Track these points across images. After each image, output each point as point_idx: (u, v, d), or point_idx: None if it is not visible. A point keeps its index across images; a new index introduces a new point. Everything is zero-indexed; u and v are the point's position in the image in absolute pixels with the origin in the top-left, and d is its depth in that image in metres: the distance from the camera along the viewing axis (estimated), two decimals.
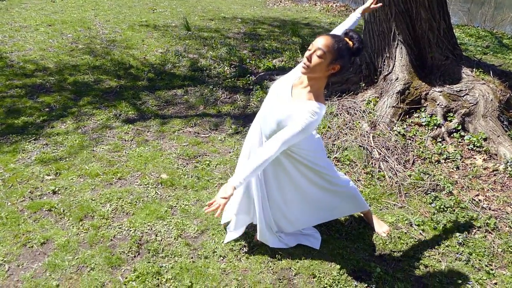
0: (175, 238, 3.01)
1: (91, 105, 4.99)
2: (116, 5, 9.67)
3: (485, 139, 4.22)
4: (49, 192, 3.44)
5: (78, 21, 8.11)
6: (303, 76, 2.31)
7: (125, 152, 4.10)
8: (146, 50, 6.87)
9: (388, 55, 4.92)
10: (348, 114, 4.68)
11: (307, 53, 2.15)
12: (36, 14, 8.38)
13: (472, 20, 11.30)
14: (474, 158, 4.14)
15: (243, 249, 2.95)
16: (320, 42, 2.11)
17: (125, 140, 4.31)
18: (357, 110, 4.70)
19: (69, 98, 5.12)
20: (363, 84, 5.07)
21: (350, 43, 2.18)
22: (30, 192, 3.42)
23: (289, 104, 2.28)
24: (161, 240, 2.99)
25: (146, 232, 3.05)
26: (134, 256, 2.84)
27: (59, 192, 3.45)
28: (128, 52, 6.73)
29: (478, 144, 4.20)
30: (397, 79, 4.74)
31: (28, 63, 6.00)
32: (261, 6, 11.19)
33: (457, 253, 3.03)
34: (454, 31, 5.10)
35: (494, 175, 3.91)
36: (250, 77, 5.93)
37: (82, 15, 8.63)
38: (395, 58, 4.86)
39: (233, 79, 5.91)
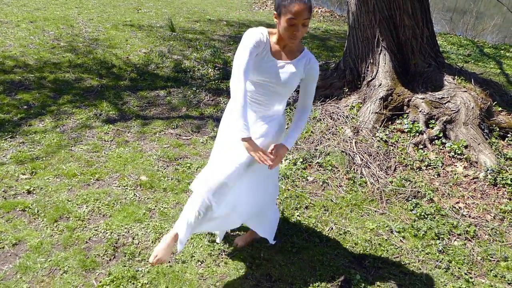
0: (152, 242, 2.94)
1: (71, 103, 4.89)
2: (100, 4, 9.55)
3: (466, 147, 4.25)
4: (23, 192, 3.34)
5: (61, 19, 7.97)
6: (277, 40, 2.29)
7: (104, 153, 4.01)
8: (129, 50, 6.77)
9: (371, 61, 4.94)
10: (331, 119, 4.67)
11: (293, 29, 2.11)
12: (18, 10, 8.21)
13: (454, 29, 11.48)
14: (455, 165, 4.16)
15: (221, 254, 2.89)
16: (303, 14, 2.08)
17: (105, 141, 4.23)
18: (340, 116, 4.70)
19: (49, 96, 5.01)
20: (347, 90, 5.07)
21: None
22: (3, 191, 3.31)
23: (289, 66, 2.30)
24: (138, 244, 2.92)
25: (123, 235, 2.98)
26: (110, 260, 2.76)
27: (34, 192, 3.35)
28: (111, 51, 6.63)
29: (459, 152, 4.22)
30: (380, 85, 4.75)
31: (8, 59, 5.86)
32: (246, 10, 11.18)
33: (437, 261, 3.02)
34: (436, 39, 5.15)
35: (475, 182, 3.94)
36: None
37: (65, 12, 8.49)
38: (378, 64, 4.88)
39: (216, 82, 5.86)
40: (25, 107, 4.70)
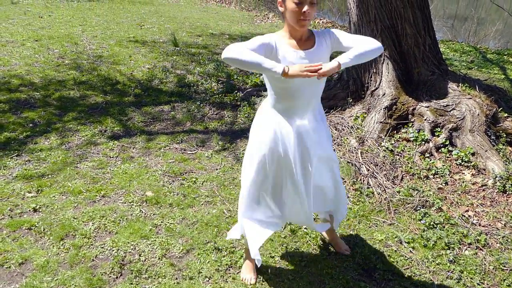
0: (159, 258, 2.92)
1: (76, 121, 4.91)
2: (104, 21, 9.64)
3: (473, 154, 4.21)
4: (29, 210, 3.34)
5: (65, 37, 8.05)
6: (291, 31, 2.21)
7: (110, 169, 4.01)
8: (133, 66, 6.82)
9: (374, 71, 4.93)
10: (336, 130, 4.65)
11: (302, 9, 2.06)
12: (23, 29, 8.30)
13: (456, 36, 11.47)
14: (462, 173, 4.12)
15: (229, 270, 2.86)
16: None
17: (110, 157, 4.23)
18: (345, 126, 4.68)
19: (54, 113, 5.04)
20: (351, 100, 5.06)
21: None
22: (10, 210, 3.31)
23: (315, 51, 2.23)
24: (145, 260, 2.89)
25: (129, 252, 2.96)
26: (116, 277, 2.74)
27: (40, 210, 3.35)
28: (115, 67, 6.67)
29: (466, 159, 4.18)
30: (384, 94, 4.74)
31: (13, 78, 5.91)
32: (248, 23, 11.25)
33: (448, 271, 2.98)
34: (439, 46, 5.14)
35: (483, 190, 3.89)
36: (238, 93, 5.89)
37: (70, 30, 8.57)
38: (381, 74, 4.87)
39: (220, 95, 5.87)
40: (30, 125, 4.72)
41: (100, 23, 9.46)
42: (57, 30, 8.47)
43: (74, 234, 3.10)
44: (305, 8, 2.05)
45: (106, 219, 3.29)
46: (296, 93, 2.28)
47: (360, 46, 2.17)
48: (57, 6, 10.75)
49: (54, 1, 11.33)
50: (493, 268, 3.03)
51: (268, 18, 12.10)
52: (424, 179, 4.05)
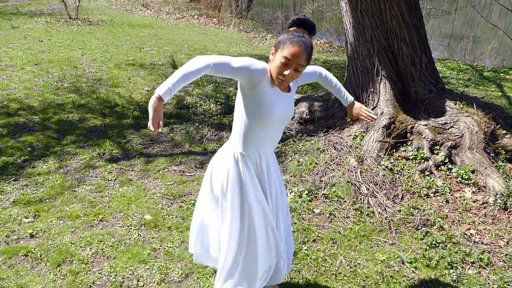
0: (158, 283, 2.87)
1: (74, 144, 4.90)
2: (103, 44, 9.72)
3: (472, 172, 4.19)
4: (26, 236, 3.30)
5: (65, 60, 8.10)
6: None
7: (108, 193, 3.98)
8: (132, 88, 6.84)
9: (372, 90, 4.95)
10: (335, 149, 4.64)
11: (285, 69, 2.01)
12: (23, 53, 8.37)
13: (452, 54, 11.57)
14: (463, 191, 4.10)
15: None
16: (299, 58, 2.00)
17: (108, 180, 4.21)
18: (343, 146, 4.67)
19: (52, 137, 5.03)
20: (349, 119, 5.06)
21: (307, 31, 2.10)
22: (6, 236, 3.28)
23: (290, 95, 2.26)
24: (143, 286, 2.85)
25: (128, 277, 2.92)
26: None
27: (37, 236, 3.31)
28: (114, 90, 6.69)
29: (466, 177, 4.16)
30: (382, 113, 4.74)
31: (12, 102, 5.93)
32: (246, 44, 11.34)
33: None
34: (436, 65, 5.17)
35: (484, 207, 3.86)
36: None
37: (69, 54, 8.63)
38: (379, 93, 4.88)
39: (219, 116, 5.88)
40: (28, 149, 4.71)
41: (100, 46, 9.54)
42: (57, 54, 8.54)
43: (71, 259, 3.06)
44: (288, 71, 2.02)
45: (104, 243, 3.25)
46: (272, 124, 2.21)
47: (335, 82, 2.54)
48: (57, 30, 10.85)
49: (55, 25, 11.44)
50: (497, 287, 2.99)
51: (266, 39, 12.21)
52: (425, 197, 4.03)
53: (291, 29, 2.10)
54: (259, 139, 2.20)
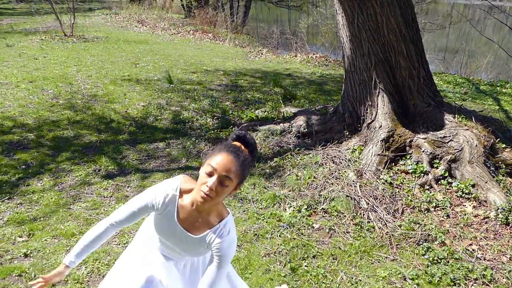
0: None
1: (69, 161, 4.83)
2: (99, 61, 9.71)
3: (473, 186, 4.15)
4: (20, 256, 3.22)
5: (60, 77, 8.07)
6: (189, 205, 1.88)
7: (104, 209, 3.91)
8: (127, 104, 6.80)
9: (370, 103, 4.93)
10: (333, 163, 4.60)
11: (208, 180, 1.73)
12: (17, 71, 8.33)
13: (448, 68, 11.63)
14: (463, 205, 4.05)
15: None
16: (226, 168, 1.72)
17: (104, 197, 4.14)
18: (342, 159, 4.63)
19: (47, 154, 4.97)
20: (347, 133, 5.03)
21: (247, 153, 1.84)
22: (0, 256, 3.20)
23: (197, 244, 1.92)
24: None
25: None
26: None
27: (31, 255, 3.23)
28: (109, 106, 6.65)
29: (466, 191, 4.12)
30: (380, 127, 4.72)
31: (6, 120, 5.86)
32: (242, 58, 11.37)
33: None
34: (433, 78, 5.16)
35: (486, 222, 3.81)
36: (233, 128, 5.86)
37: (64, 71, 8.60)
38: (377, 106, 4.86)
39: (216, 131, 5.84)
40: (23, 166, 4.65)
41: (95, 62, 9.52)
42: (52, 71, 8.51)
43: (66, 279, 2.99)
44: (210, 181, 1.72)
45: (99, 262, 3.18)
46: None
47: None
48: (52, 48, 10.84)
49: (49, 43, 11.43)
50: None
51: (262, 54, 12.25)
52: (425, 212, 3.98)
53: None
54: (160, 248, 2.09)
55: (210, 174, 1.73)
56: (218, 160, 1.72)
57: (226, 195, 1.79)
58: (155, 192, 1.89)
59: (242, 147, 1.82)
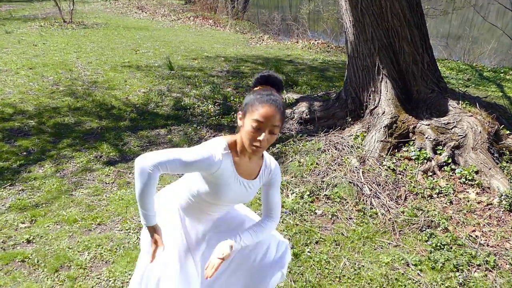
0: None
1: (71, 147, 4.81)
2: (99, 47, 9.63)
3: (476, 172, 4.13)
4: (23, 242, 3.22)
5: (60, 64, 8.01)
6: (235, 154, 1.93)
7: (106, 196, 3.90)
8: (128, 91, 6.76)
9: (373, 89, 4.88)
10: (336, 149, 4.58)
11: (258, 134, 1.79)
12: (17, 58, 8.26)
13: (451, 54, 11.54)
14: (467, 192, 4.04)
15: None
16: (272, 119, 1.78)
17: (106, 183, 4.13)
18: (345, 146, 4.60)
19: (48, 141, 4.94)
20: (350, 119, 5.00)
21: (274, 89, 1.90)
22: (2, 242, 3.19)
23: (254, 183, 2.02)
24: None
25: (127, 282, 2.84)
26: None
27: (33, 241, 3.23)
28: (110, 93, 6.61)
29: (470, 178, 4.10)
30: (383, 113, 4.68)
31: (7, 107, 5.83)
32: (243, 45, 11.28)
33: None
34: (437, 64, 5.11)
35: (489, 209, 3.80)
36: (235, 115, 5.83)
37: (64, 57, 8.54)
38: (380, 92, 4.82)
39: (217, 117, 5.81)
40: (24, 153, 4.63)
41: (95, 49, 9.45)
42: (52, 58, 8.44)
43: (69, 265, 2.98)
44: (262, 136, 1.79)
45: (102, 248, 3.17)
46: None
47: (258, 230, 2.03)
48: (52, 34, 10.75)
49: (49, 30, 11.33)
50: None
51: (263, 40, 12.14)
52: (428, 198, 3.96)
53: (256, 88, 1.90)
54: (202, 211, 2.08)
55: (258, 128, 1.78)
56: (263, 113, 1.76)
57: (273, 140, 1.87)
58: (208, 151, 1.83)
59: (271, 88, 1.88)
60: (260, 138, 1.78)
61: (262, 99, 1.79)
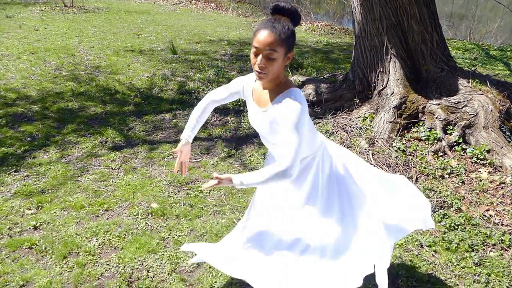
0: (168, 274, 2.75)
1: (75, 133, 4.75)
2: (100, 32, 9.51)
3: (488, 151, 4.06)
4: (30, 228, 3.17)
5: (62, 48, 7.91)
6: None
7: (112, 181, 3.85)
8: (132, 75, 6.67)
9: (381, 70, 4.79)
10: (344, 132, 4.50)
11: (256, 59, 1.84)
12: (18, 43, 8.16)
13: (457, 34, 11.37)
14: (478, 171, 3.97)
15: (244, 282, 2.70)
16: (265, 43, 1.79)
17: (112, 169, 4.07)
18: (353, 127, 4.53)
19: (52, 126, 4.88)
20: (358, 101, 4.92)
21: (288, 19, 1.87)
22: (9, 229, 3.15)
23: (265, 113, 2.03)
24: (154, 277, 2.73)
25: (137, 268, 2.80)
26: None
27: (40, 228, 3.18)
28: (113, 77, 6.52)
29: (481, 157, 4.03)
30: (392, 93, 4.59)
31: (10, 92, 5.76)
32: (246, 28, 11.13)
33: (475, 275, 2.81)
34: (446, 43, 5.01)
35: (502, 188, 3.74)
36: (241, 98, 5.74)
37: (66, 42, 8.43)
38: (389, 73, 4.73)
39: None
40: (28, 139, 4.57)
41: (97, 33, 9.33)
42: (53, 42, 8.34)
43: (77, 251, 2.94)
44: (258, 60, 1.83)
45: (110, 234, 3.13)
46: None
47: (265, 172, 1.90)
48: (53, 19, 10.62)
49: (50, 14, 11.20)
50: None
51: None
52: (440, 179, 3.90)
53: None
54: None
55: (256, 54, 1.85)
56: (257, 38, 1.82)
57: (280, 66, 1.88)
58: (238, 79, 2.24)
59: (282, 17, 1.87)
60: (257, 62, 1.84)
61: (260, 25, 1.85)
